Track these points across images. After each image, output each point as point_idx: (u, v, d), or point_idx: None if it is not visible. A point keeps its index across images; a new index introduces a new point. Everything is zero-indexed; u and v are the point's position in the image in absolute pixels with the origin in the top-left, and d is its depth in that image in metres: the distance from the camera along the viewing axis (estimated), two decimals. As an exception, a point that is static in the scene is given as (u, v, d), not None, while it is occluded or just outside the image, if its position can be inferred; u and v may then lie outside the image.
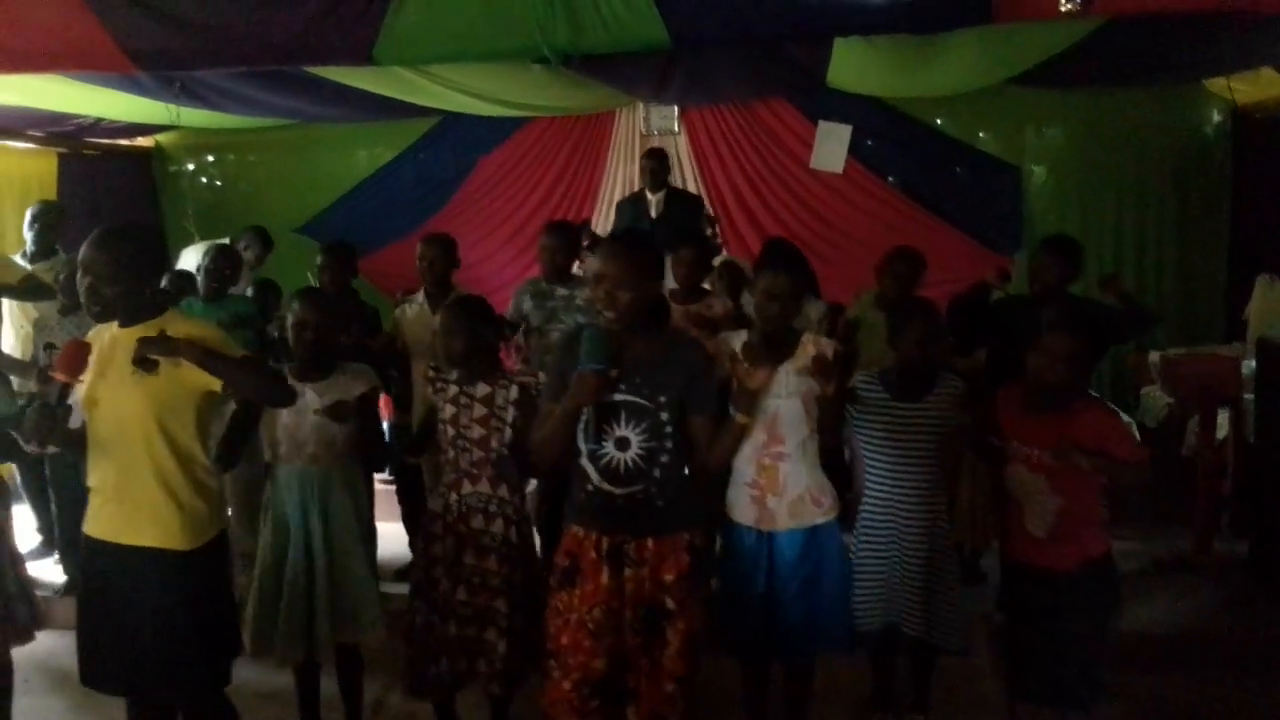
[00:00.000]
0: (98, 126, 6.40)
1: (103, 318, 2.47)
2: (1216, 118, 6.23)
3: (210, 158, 7.40)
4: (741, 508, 2.90)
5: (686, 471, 2.52)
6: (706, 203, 6.67)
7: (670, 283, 4.16)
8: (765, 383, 2.35)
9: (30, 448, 2.49)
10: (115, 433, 2.45)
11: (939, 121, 6.48)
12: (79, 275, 2.44)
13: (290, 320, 3.05)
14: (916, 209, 6.41)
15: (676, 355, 2.40)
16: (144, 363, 2.36)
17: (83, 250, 2.41)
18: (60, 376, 2.35)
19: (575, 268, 4.48)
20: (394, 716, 3.40)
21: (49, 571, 4.70)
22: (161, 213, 7.29)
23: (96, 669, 2.57)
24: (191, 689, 2.56)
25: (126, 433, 2.44)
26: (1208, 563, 4.42)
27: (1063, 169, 6.46)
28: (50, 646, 3.81)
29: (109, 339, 2.48)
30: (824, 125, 6.36)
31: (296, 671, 3.16)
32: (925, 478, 3.06)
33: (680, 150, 6.80)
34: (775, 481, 2.85)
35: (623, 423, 2.35)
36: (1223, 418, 4.64)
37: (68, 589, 4.52)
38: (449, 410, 3.06)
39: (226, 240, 5.86)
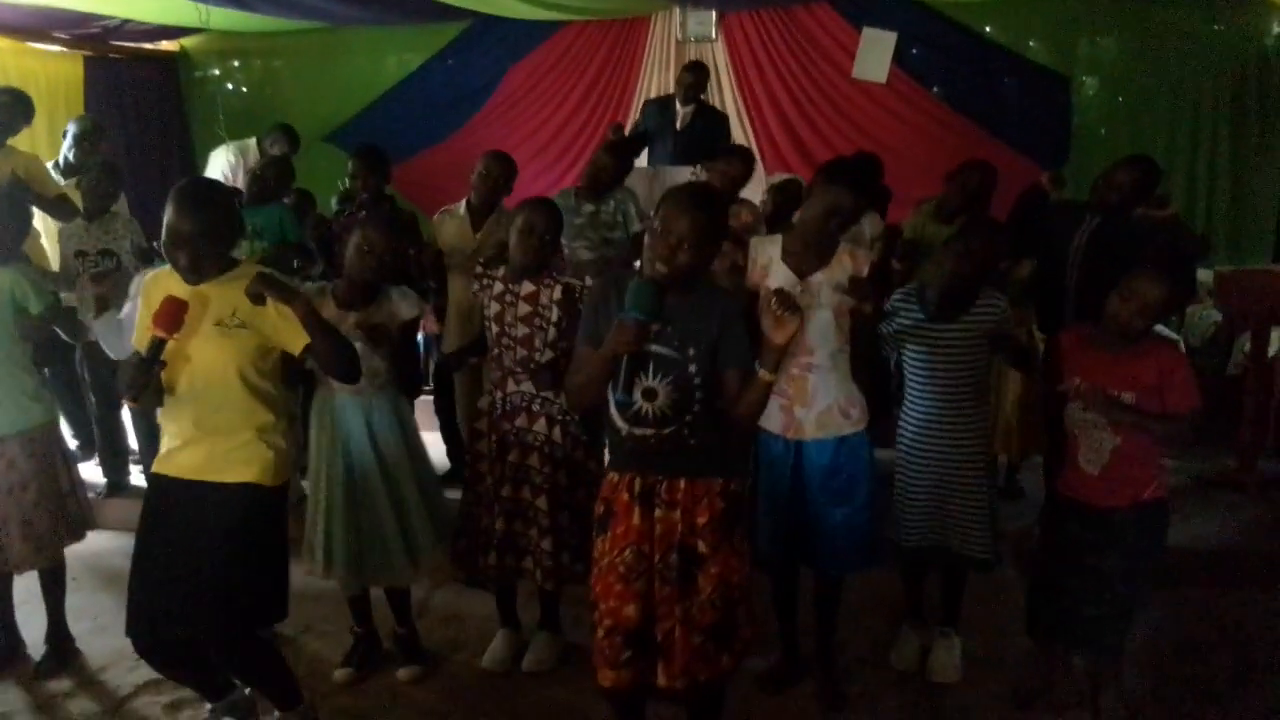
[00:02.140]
0: (123, 29, 6.30)
1: (198, 281, 2.44)
2: (1276, 29, 5.97)
3: (236, 63, 7.29)
4: (770, 416, 2.83)
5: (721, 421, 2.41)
6: (743, 117, 6.53)
7: None
8: (792, 336, 2.18)
9: (126, 400, 2.48)
10: (204, 383, 2.46)
11: (988, 29, 6.25)
12: (170, 246, 2.39)
13: (355, 240, 2.96)
14: (962, 120, 6.23)
15: (709, 308, 2.30)
16: (257, 297, 2.40)
17: (173, 220, 2.34)
18: (162, 333, 2.34)
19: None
20: (441, 616, 3.45)
21: (91, 473, 4.77)
22: (187, 118, 7.21)
23: (145, 616, 2.54)
24: (240, 624, 2.56)
25: (215, 382, 2.46)
26: (1252, 481, 4.38)
27: (1114, 81, 6.24)
28: (97, 547, 3.89)
29: (191, 295, 2.42)
30: (868, 32, 6.15)
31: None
32: (963, 396, 3.00)
33: (717, 58, 6.62)
34: (804, 392, 2.81)
35: (650, 374, 2.28)
36: (1273, 336, 4.55)
37: (110, 490, 4.60)
38: (494, 308, 3.03)
39: (253, 140, 5.81)
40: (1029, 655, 3.20)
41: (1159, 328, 3.26)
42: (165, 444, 2.56)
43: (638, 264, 2.54)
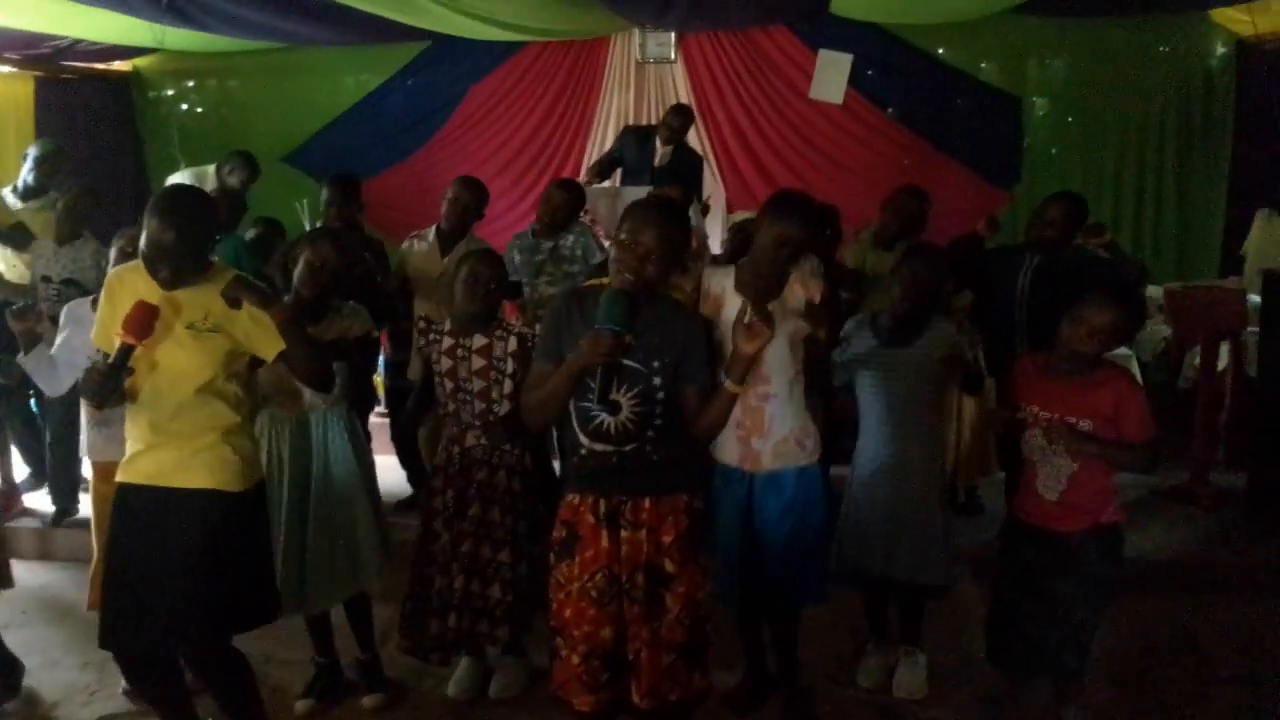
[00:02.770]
0: (75, 49, 6.20)
1: (179, 286, 2.39)
2: (1220, 50, 6.16)
3: (191, 84, 7.21)
4: (727, 448, 2.87)
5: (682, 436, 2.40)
6: (702, 137, 6.58)
7: None
8: (763, 348, 2.21)
9: (90, 405, 2.46)
10: (170, 386, 2.41)
11: (940, 51, 6.39)
12: (151, 260, 2.32)
13: (306, 257, 2.91)
14: (916, 140, 6.34)
15: (674, 322, 2.30)
16: (234, 301, 2.37)
17: (155, 231, 2.29)
18: (129, 339, 2.29)
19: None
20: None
21: (41, 502, 4.66)
22: (141, 140, 7.10)
23: (118, 625, 2.48)
24: (207, 638, 2.52)
25: (183, 387, 2.41)
26: (1204, 494, 4.48)
27: (1064, 101, 6.39)
28: (46, 579, 3.79)
29: (162, 299, 2.37)
30: (824, 54, 6.24)
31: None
32: (918, 421, 3.05)
33: (677, 79, 6.68)
34: (761, 423, 2.82)
35: (614, 386, 2.26)
36: (1222, 350, 4.66)
37: (57, 518, 4.49)
38: (445, 363, 3.00)
39: (212, 167, 5.73)
40: (993, 672, 3.23)
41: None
42: (129, 449, 2.50)
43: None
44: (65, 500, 4.53)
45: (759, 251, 2.74)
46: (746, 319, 2.19)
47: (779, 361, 2.78)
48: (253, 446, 2.56)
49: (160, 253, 2.31)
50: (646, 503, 2.32)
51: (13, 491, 4.67)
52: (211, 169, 5.85)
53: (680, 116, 5.59)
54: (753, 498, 2.87)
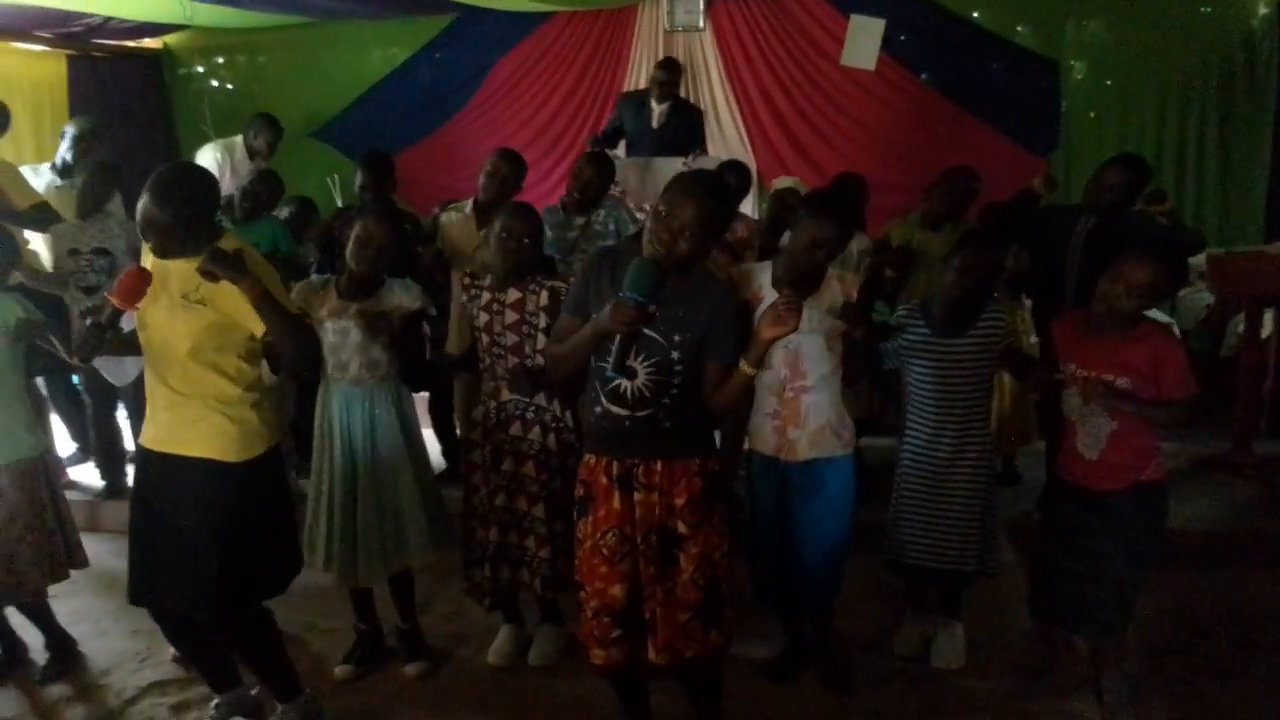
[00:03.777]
0: (105, 27, 6.24)
1: (165, 258, 2.46)
2: (1263, 10, 6.00)
3: (220, 60, 7.23)
4: (762, 437, 2.88)
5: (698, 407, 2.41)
6: (731, 105, 6.52)
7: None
8: (781, 336, 2.19)
9: (75, 360, 2.53)
10: (164, 354, 2.49)
11: (975, 15, 6.26)
12: (142, 230, 2.41)
13: (355, 233, 2.94)
14: (950, 106, 6.23)
15: (702, 297, 2.29)
16: (209, 275, 2.36)
17: (145, 206, 2.36)
18: (118, 303, 2.38)
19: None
20: (444, 613, 3.45)
21: (89, 476, 4.75)
22: (172, 116, 7.15)
23: (141, 583, 2.59)
24: (219, 605, 2.57)
25: (175, 355, 2.47)
26: (1248, 462, 4.41)
27: (1103, 64, 6.25)
28: (96, 550, 3.85)
29: (155, 267, 2.47)
30: (856, 19, 6.14)
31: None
32: (968, 411, 3.03)
33: (705, 47, 6.60)
34: (797, 413, 2.82)
35: (633, 354, 2.28)
36: (1266, 318, 4.58)
37: (107, 492, 4.58)
38: (483, 318, 3.02)
39: (238, 137, 5.78)
40: (1031, 639, 3.23)
41: (1154, 312, 3.29)
42: (147, 411, 2.58)
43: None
44: (114, 475, 4.61)
45: (796, 252, 2.73)
46: (779, 305, 2.17)
47: (816, 354, 2.79)
48: (257, 417, 2.56)
49: (148, 226, 2.39)
50: (658, 466, 2.35)
51: (59, 466, 4.77)
52: (239, 139, 5.91)
53: (666, 70, 5.55)
54: (788, 487, 2.88)
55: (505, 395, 3.03)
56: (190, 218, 2.40)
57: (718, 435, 2.67)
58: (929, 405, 3.05)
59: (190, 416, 2.49)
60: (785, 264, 2.78)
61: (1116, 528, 2.73)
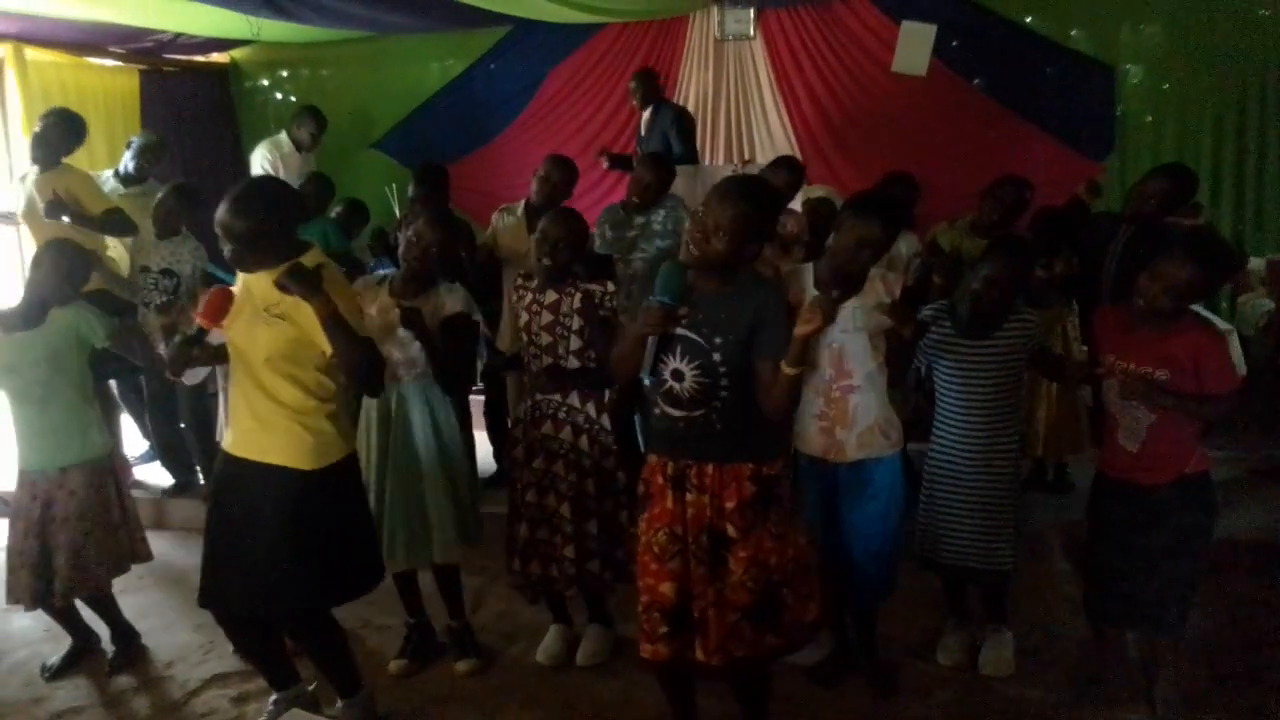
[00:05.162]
0: (175, 42, 6.46)
1: (248, 271, 2.53)
2: (1325, 11, 5.84)
3: (285, 73, 7.42)
4: (810, 439, 2.89)
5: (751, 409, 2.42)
6: (782, 113, 6.53)
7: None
8: (813, 334, 2.21)
9: (166, 375, 2.65)
10: (248, 367, 2.56)
11: (1029, 19, 6.18)
12: (219, 235, 2.45)
13: (407, 234, 3.04)
14: (1003, 111, 6.14)
15: (746, 299, 2.30)
16: (283, 288, 2.44)
17: (222, 218, 2.42)
18: (203, 322, 2.50)
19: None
20: (494, 612, 3.53)
21: (157, 475, 4.92)
22: (239, 128, 7.37)
23: (212, 585, 2.66)
24: (290, 608, 2.65)
25: (255, 367, 2.55)
26: (1306, 473, 4.31)
27: (1160, 68, 6.13)
28: (162, 546, 4.01)
29: (240, 284, 2.55)
30: (907, 25, 6.11)
31: (393, 575, 3.26)
32: (992, 412, 3.02)
33: (756, 56, 6.61)
34: (845, 413, 2.83)
35: (678, 356, 2.32)
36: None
37: (174, 491, 4.75)
38: (524, 317, 3.11)
39: (283, 134, 5.94)
40: (1083, 647, 3.20)
41: (1212, 318, 3.25)
42: (231, 416, 2.68)
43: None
44: (182, 474, 4.77)
45: (840, 252, 2.74)
46: (810, 302, 2.21)
47: (861, 354, 2.80)
48: (333, 428, 2.61)
49: (224, 235, 2.45)
50: (710, 468, 2.37)
51: (125, 465, 4.95)
52: (283, 135, 6.10)
53: (637, 78, 5.83)
54: (837, 489, 2.89)
55: (539, 394, 3.11)
56: (265, 232, 2.45)
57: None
58: (954, 405, 3.06)
59: (269, 425, 2.56)
60: (828, 264, 2.80)
61: (1163, 522, 2.71)
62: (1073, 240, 3.86)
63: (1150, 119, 6.09)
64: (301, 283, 2.41)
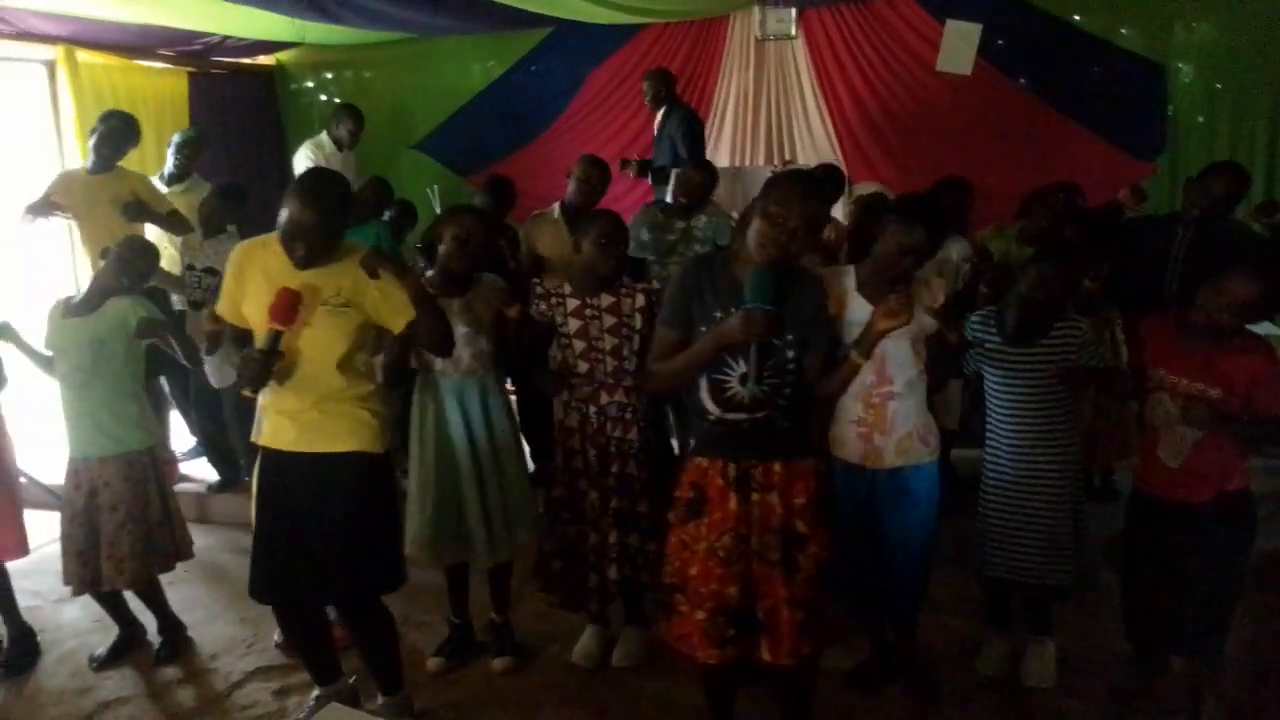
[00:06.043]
0: (223, 45, 6.57)
1: (312, 266, 2.53)
2: (1385, 6, 5.67)
3: (329, 75, 7.52)
4: (847, 444, 2.86)
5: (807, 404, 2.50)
6: (824, 113, 6.48)
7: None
8: (893, 329, 2.30)
9: (245, 391, 2.56)
10: (312, 361, 2.57)
11: (1077, 17, 6.07)
12: (289, 238, 2.46)
13: (451, 231, 3.04)
14: (1050, 112, 6.05)
15: (803, 294, 2.36)
16: (372, 271, 2.53)
17: (296, 212, 2.42)
18: (280, 326, 2.46)
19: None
20: (533, 611, 3.53)
21: (205, 470, 5.01)
22: (285, 129, 7.48)
23: (267, 580, 2.70)
24: (361, 590, 2.71)
25: (323, 359, 2.57)
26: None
27: (1213, 67, 5.99)
28: (207, 541, 4.08)
29: (300, 284, 2.51)
30: (952, 24, 6.02)
31: (446, 568, 3.30)
32: (1040, 421, 2.96)
33: (797, 55, 6.58)
34: (884, 419, 2.80)
35: (749, 359, 2.30)
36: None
37: (220, 487, 4.82)
38: (573, 324, 3.07)
39: (324, 133, 6.02)
40: (1126, 660, 3.14)
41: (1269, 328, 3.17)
42: (272, 420, 2.67)
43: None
44: (226, 470, 4.85)
45: (884, 257, 2.72)
46: (893, 300, 2.31)
47: (903, 359, 2.76)
48: (386, 411, 2.70)
49: (299, 231, 2.45)
50: (777, 466, 2.38)
51: (171, 460, 5.04)
52: (324, 135, 6.17)
53: (648, 80, 5.81)
54: (874, 495, 2.87)
55: (605, 398, 3.08)
56: (338, 222, 2.53)
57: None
58: (1004, 414, 3.02)
59: (337, 413, 2.60)
60: (872, 268, 2.78)
61: (1203, 542, 2.65)
62: (1109, 244, 3.76)
63: (1203, 119, 5.95)
64: (390, 262, 2.54)
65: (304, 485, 2.63)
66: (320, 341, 2.55)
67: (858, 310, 2.68)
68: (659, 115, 5.80)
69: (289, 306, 2.46)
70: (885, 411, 2.80)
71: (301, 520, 2.62)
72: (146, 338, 3.32)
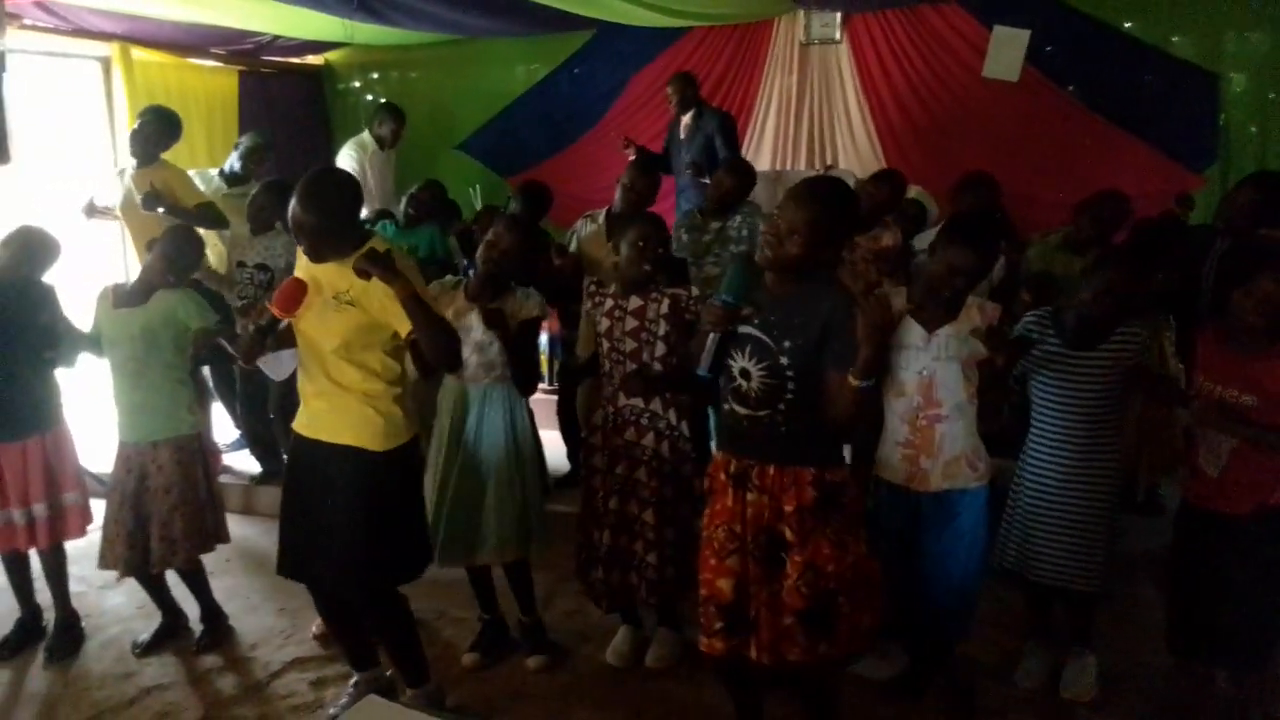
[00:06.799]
0: (274, 44, 6.68)
1: (318, 262, 2.61)
2: None
3: (375, 75, 7.61)
4: (891, 465, 2.83)
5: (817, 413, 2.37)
6: (867, 119, 6.44)
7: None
8: (880, 345, 2.20)
9: (241, 364, 2.75)
10: (318, 353, 2.66)
11: (1128, 24, 5.98)
12: (294, 233, 2.60)
13: (487, 236, 3.09)
14: (1099, 120, 5.95)
15: (817, 305, 2.24)
16: (363, 273, 2.51)
17: (294, 211, 2.52)
18: (277, 312, 2.57)
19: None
20: (565, 610, 3.55)
21: (247, 462, 5.08)
22: (332, 128, 7.58)
23: (290, 558, 2.80)
24: (365, 584, 2.73)
25: (325, 354, 2.65)
26: None
27: (1265, 76, 5.86)
28: (248, 531, 4.14)
29: (309, 275, 2.63)
30: (1000, 30, 5.96)
31: (468, 569, 3.32)
32: (1091, 427, 2.91)
33: (841, 60, 6.53)
34: (930, 443, 2.76)
35: (746, 355, 2.32)
36: None
37: (262, 479, 4.89)
38: (604, 324, 3.11)
39: (375, 128, 6.11)
40: (1169, 675, 3.09)
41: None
42: (302, 400, 2.77)
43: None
44: (270, 462, 4.92)
45: (934, 278, 2.69)
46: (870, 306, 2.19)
47: (952, 383, 2.73)
48: (400, 410, 2.70)
49: (297, 228, 2.55)
50: (771, 469, 2.36)
51: (215, 451, 5.12)
52: (365, 134, 6.25)
53: (673, 84, 5.73)
54: (918, 518, 2.83)
55: (622, 400, 3.10)
56: (335, 221, 2.56)
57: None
58: (1053, 418, 2.96)
59: (341, 407, 2.66)
60: (922, 289, 2.75)
61: (1246, 554, 2.62)
62: (1169, 254, 3.72)
63: (1255, 129, 5.84)
64: (381, 265, 2.50)
65: (311, 471, 2.71)
66: (320, 332, 2.63)
67: (908, 334, 2.65)
68: (686, 118, 5.78)
69: (291, 295, 2.57)
70: (932, 434, 2.76)
71: (310, 504, 2.71)
72: (203, 348, 3.41)
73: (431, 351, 2.61)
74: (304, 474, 2.75)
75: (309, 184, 2.54)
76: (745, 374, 2.33)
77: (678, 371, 3.02)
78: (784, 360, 2.28)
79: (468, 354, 3.06)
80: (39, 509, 3.41)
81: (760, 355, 2.30)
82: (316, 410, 2.70)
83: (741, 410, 2.37)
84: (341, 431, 2.66)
